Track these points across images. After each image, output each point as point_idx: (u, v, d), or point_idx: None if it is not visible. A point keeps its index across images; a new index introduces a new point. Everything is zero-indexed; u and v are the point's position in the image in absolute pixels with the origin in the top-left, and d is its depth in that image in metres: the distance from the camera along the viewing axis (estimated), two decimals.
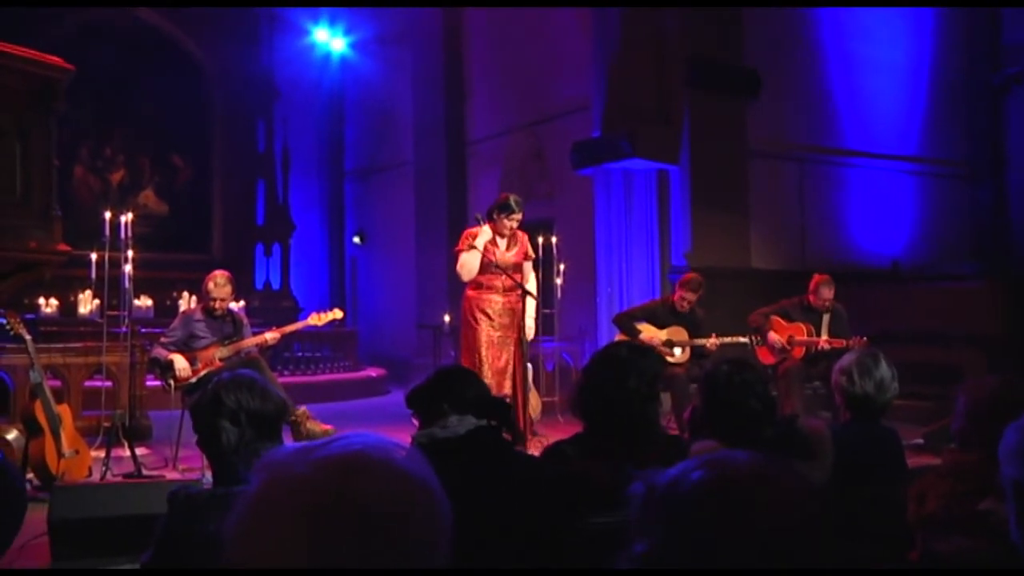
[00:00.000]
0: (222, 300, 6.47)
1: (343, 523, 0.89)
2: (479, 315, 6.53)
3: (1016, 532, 1.35)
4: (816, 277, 7.47)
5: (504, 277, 6.49)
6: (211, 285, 6.46)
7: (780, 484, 1.01)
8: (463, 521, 2.52)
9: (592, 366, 3.04)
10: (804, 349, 7.28)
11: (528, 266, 6.79)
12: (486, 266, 6.50)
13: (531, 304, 6.68)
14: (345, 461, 0.93)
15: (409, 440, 2.81)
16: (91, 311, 11.94)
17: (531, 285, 6.80)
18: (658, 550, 0.99)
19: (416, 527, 0.92)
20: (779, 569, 0.96)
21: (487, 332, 6.50)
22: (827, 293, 7.37)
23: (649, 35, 10.08)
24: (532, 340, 6.87)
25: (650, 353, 3.16)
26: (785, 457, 2.90)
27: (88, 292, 11.93)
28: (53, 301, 12.33)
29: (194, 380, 6.18)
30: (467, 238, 6.58)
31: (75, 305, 12.37)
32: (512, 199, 6.57)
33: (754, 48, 10.28)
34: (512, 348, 6.53)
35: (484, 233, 6.52)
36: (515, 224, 6.61)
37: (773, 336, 7.35)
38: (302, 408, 6.35)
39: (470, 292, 6.64)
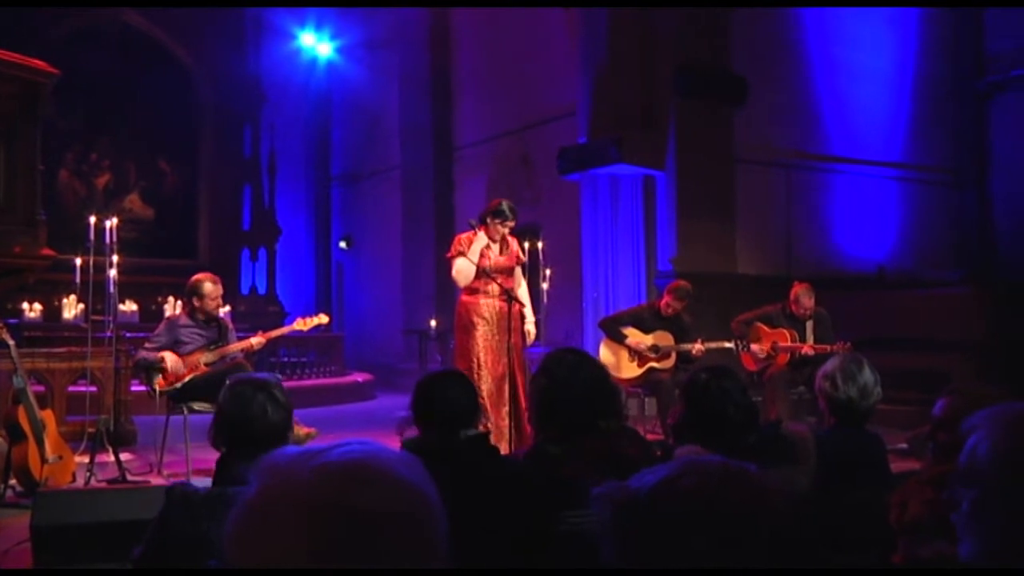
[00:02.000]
0: (220, 298, 6.49)
1: (344, 530, 0.89)
2: (476, 320, 6.51)
3: (969, 540, 1.36)
4: (796, 286, 7.49)
5: (499, 282, 6.49)
6: (208, 286, 6.44)
7: (756, 488, 1.02)
8: (453, 528, 2.54)
9: (538, 376, 3.08)
10: (788, 355, 7.30)
11: (518, 270, 6.81)
12: (481, 271, 6.50)
13: (528, 308, 6.69)
14: (347, 468, 0.94)
15: (399, 446, 2.83)
16: (75, 316, 11.87)
17: (522, 289, 6.81)
18: (633, 557, 1.00)
19: (415, 536, 0.93)
20: (755, 571, 0.97)
21: (485, 337, 6.48)
22: (807, 302, 7.40)
23: (636, 42, 10.12)
24: (531, 344, 6.86)
25: (581, 353, 3.21)
26: (768, 462, 2.93)
27: (72, 297, 11.87)
28: (37, 306, 12.26)
29: (179, 385, 6.16)
30: (460, 243, 6.57)
31: (59, 310, 12.30)
32: (506, 205, 6.58)
33: (741, 55, 10.32)
34: (509, 353, 6.51)
35: (479, 239, 6.51)
36: (508, 230, 6.61)
37: (756, 347, 7.38)
38: None
39: (465, 297, 6.62)
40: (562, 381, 2.96)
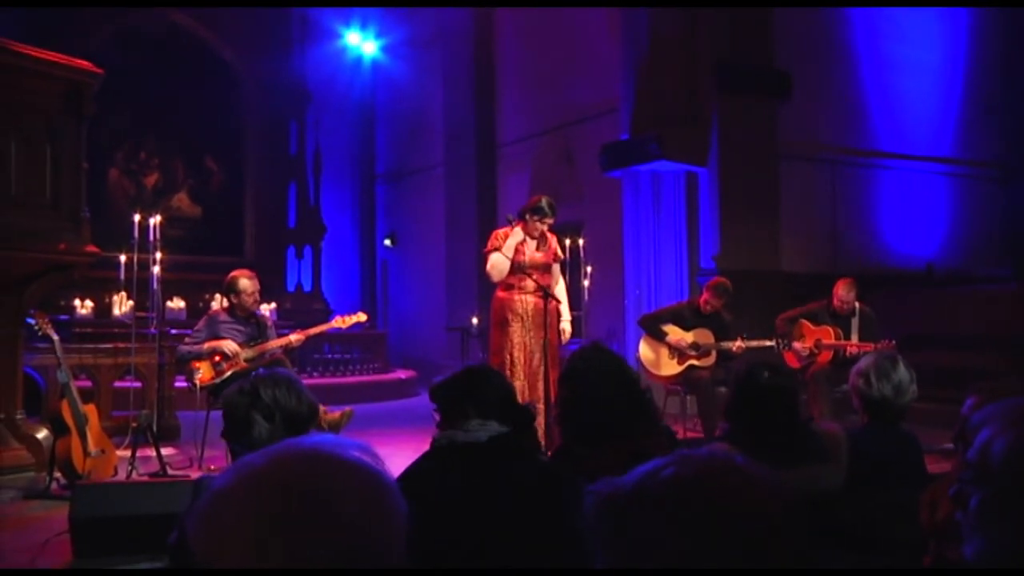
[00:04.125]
0: (257, 293, 6.56)
1: (292, 511, 0.91)
2: (511, 316, 6.49)
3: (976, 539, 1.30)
4: (838, 282, 7.42)
5: (535, 278, 6.46)
6: (245, 282, 6.50)
7: (750, 484, 0.99)
8: (479, 525, 2.52)
9: (561, 385, 3.07)
10: (832, 353, 7.20)
11: (556, 268, 6.77)
12: (517, 267, 6.47)
13: (564, 306, 6.66)
14: (298, 454, 0.96)
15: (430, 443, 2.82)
16: (125, 313, 12.07)
17: (560, 286, 6.78)
18: (623, 555, 0.99)
19: (365, 518, 0.93)
20: (745, 570, 0.94)
21: (520, 333, 6.46)
22: (846, 295, 7.30)
23: (678, 38, 10.03)
24: (566, 343, 6.82)
25: (606, 352, 3.16)
26: (798, 461, 2.88)
27: (122, 294, 12.06)
28: (88, 303, 12.49)
29: (219, 381, 6.23)
30: (496, 239, 6.56)
31: (109, 307, 12.51)
32: (545, 201, 6.54)
33: (785, 50, 10.19)
34: (544, 349, 6.49)
35: (515, 234, 6.49)
36: (546, 227, 6.59)
37: (799, 345, 7.29)
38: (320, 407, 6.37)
39: (501, 293, 6.61)
40: (584, 380, 2.94)
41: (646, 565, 0.98)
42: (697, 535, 0.95)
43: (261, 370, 2.74)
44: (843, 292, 7.30)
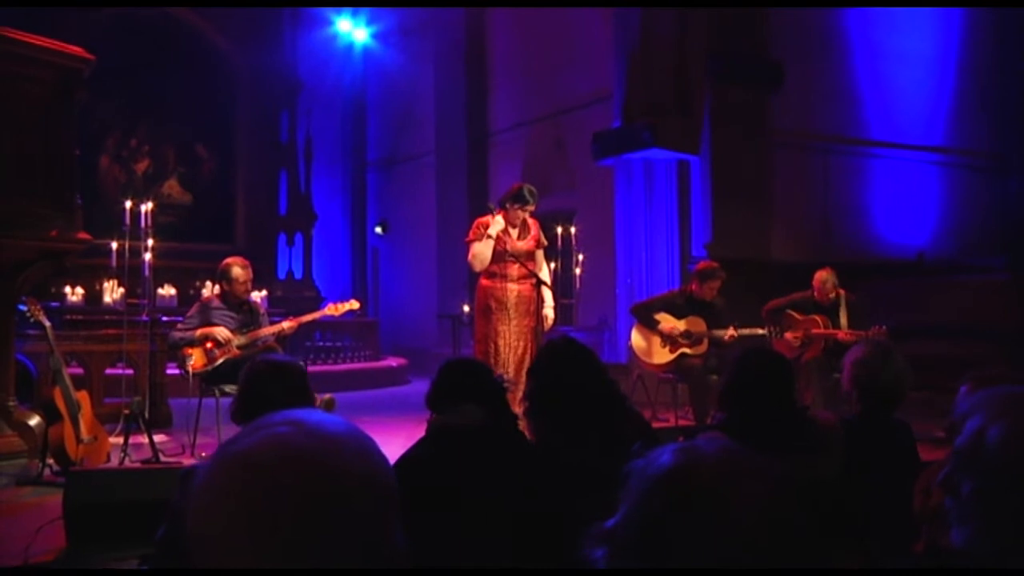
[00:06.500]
0: (249, 282, 6.54)
1: (278, 495, 0.89)
2: (494, 304, 6.51)
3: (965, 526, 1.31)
4: (815, 273, 7.41)
5: (518, 265, 6.47)
6: (237, 270, 6.49)
7: (746, 478, 0.99)
8: (473, 506, 2.53)
9: (529, 378, 3.09)
10: (823, 341, 7.21)
11: (540, 254, 6.78)
12: (500, 255, 6.48)
13: (548, 292, 6.67)
14: (287, 435, 0.94)
15: (425, 430, 2.83)
16: (116, 300, 12.03)
17: (544, 272, 6.79)
18: (621, 529, 0.99)
19: (353, 504, 0.91)
20: (736, 567, 0.95)
21: (503, 321, 6.48)
22: (822, 286, 7.29)
23: (670, 26, 10.02)
24: (550, 329, 6.83)
25: (573, 344, 3.18)
26: (793, 450, 2.89)
27: (113, 281, 12.02)
28: (79, 290, 12.44)
29: (211, 368, 6.23)
30: (478, 227, 6.56)
31: (100, 294, 12.47)
32: (525, 189, 6.55)
33: (778, 39, 10.19)
34: (529, 336, 6.51)
35: (497, 222, 6.50)
36: (527, 214, 6.59)
37: (789, 335, 7.30)
38: None
39: (484, 281, 6.62)
40: (549, 372, 2.97)
41: (631, 543, 0.99)
42: (698, 527, 0.95)
43: (282, 355, 2.76)
44: (819, 284, 7.31)
